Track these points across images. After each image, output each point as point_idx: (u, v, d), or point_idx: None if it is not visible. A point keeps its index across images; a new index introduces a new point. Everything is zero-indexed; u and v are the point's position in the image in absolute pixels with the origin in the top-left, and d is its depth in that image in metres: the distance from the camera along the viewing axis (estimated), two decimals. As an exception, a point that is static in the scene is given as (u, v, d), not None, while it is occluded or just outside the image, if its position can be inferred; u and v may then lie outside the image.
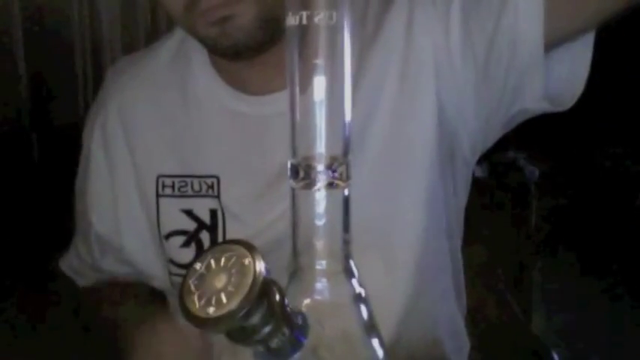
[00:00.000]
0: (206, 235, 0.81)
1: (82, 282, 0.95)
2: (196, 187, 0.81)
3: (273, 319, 0.38)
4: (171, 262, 0.83)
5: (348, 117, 0.45)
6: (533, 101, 0.77)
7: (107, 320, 0.86)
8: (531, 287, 1.13)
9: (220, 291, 0.38)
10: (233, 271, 0.38)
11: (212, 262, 0.39)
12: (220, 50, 0.75)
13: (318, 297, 0.44)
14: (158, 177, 0.82)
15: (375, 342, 0.46)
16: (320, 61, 0.42)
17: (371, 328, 0.46)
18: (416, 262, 0.79)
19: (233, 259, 0.38)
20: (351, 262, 0.46)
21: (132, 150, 0.84)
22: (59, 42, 2.06)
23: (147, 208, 0.83)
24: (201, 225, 0.81)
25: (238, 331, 0.38)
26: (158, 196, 0.82)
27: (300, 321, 0.41)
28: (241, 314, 0.37)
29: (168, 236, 0.82)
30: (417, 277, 0.80)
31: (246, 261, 0.38)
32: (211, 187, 0.80)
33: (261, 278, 0.37)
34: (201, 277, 0.39)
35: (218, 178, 0.80)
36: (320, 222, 0.44)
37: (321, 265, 0.44)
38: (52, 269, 0.98)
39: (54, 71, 2.07)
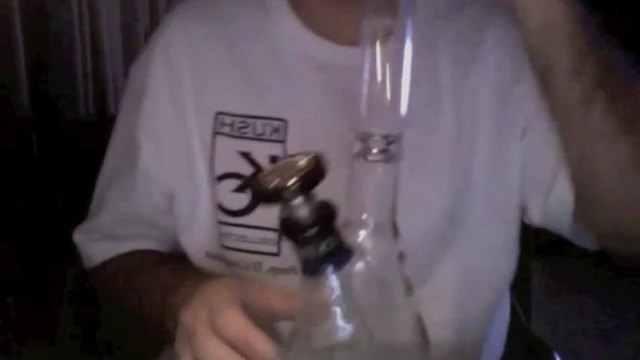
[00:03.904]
0: None
1: (103, 248, 0.86)
2: (259, 129, 0.76)
3: (320, 223, 0.45)
4: (220, 207, 0.77)
5: (405, 97, 0.49)
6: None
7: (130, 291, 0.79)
8: (531, 287, 1.12)
9: (286, 171, 0.46)
10: (300, 163, 0.46)
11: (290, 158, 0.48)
12: None
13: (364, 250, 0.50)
14: (217, 114, 0.77)
15: (414, 298, 0.52)
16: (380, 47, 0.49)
17: (408, 285, 0.52)
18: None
19: (303, 159, 0.47)
20: (397, 223, 0.51)
21: (195, 83, 0.78)
22: (59, 41, 2.06)
23: (202, 146, 0.78)
24: (259, 170, 0.75)
25: (291, 224, 0.45)
26: (215, 133, 0.77)
27: (347, 246, 0.47)
28: (292, 190, 0.44)
29: (221, 178, 0.77)
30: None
31: (305, 160, 0.46)
32: (277, 130, 0.75)
33: (312, 169, 0.46)
34: (280, 161, 0.50)
35: (286, 121, 0.75)
36: (372, 188, 0.50)
37: (370, 222, 0.50)
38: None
39: (54, 70, 2.07)
